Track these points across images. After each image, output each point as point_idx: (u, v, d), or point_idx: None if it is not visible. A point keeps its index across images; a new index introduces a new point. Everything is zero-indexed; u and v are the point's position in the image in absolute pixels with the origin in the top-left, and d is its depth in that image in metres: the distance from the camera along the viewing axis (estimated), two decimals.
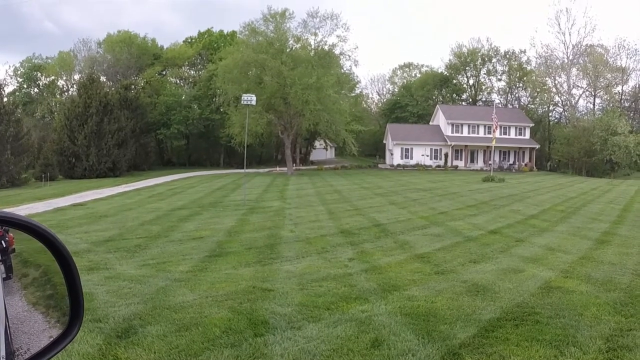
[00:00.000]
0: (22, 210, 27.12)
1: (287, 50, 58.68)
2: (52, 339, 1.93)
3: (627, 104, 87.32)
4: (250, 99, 30.03)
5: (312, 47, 61.11)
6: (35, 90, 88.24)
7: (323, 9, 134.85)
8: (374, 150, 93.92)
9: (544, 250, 14.98)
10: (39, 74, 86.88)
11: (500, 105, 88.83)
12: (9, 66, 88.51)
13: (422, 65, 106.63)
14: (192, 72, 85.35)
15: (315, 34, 59.87)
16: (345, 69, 65.53)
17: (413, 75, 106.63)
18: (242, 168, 68.16)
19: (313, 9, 62.02)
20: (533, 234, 18.39)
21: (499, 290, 9.19)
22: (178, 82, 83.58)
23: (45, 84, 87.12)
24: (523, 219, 23.07)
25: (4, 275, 1.92)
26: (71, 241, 16.45)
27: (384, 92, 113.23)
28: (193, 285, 9.61)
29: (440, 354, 5.87)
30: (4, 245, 1.93)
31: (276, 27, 58.13)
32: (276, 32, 58.03)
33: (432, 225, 20.45)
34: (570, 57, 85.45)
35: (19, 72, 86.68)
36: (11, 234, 1.92)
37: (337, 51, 61.25)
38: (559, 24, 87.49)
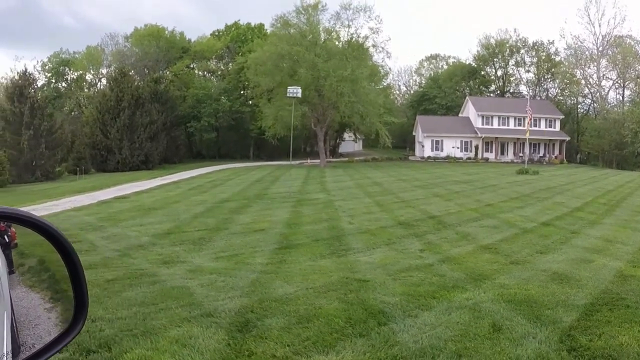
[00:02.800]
0: (66, 203, 27.38)
1: (320, 42, 58.36)
2: (56, 334, 1.91)
3: None
4: (296, 91, 29.93)
5: (345, 39, 60.79)
6: (63, 84, 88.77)
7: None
8: (401, 142, 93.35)
9: (601, 241, 15.09)
10: (67, 69, 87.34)
11: (529, 97, 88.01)
12: (37, 61, 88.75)
13: (449, 57, 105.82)
14: (220, 65, 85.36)
15: (349, 26, 59.57)
16: (377, 61, 65.15)
17: (440, 66, 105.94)
18: (272, 160, 68.70)
19: (346, 1, 61.24)
20: (584, 227, 18.45)
21: (580, 278, 9.42)
22: (206, 75, 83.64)
23: (73, 78, 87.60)
24: (569, 211, 23.07)
25: (8, 270, 1.94)
26: (130, 234, 16.54)
27: (410, 84, 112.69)
28: (284, 277, 9.53)
29: (556, 336, 6.07)
30: (7, 240, 1.94)
31: (308, 19, 57.94)
32: (308, 25, 57.84)
33: (484, 218, 20.42)
34: (600, 49, 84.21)
35: (46, 67, 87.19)
36: (13, 229, 1.92)
37: (369, 43, 60.99)
38: (589, 15, 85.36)
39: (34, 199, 32.39)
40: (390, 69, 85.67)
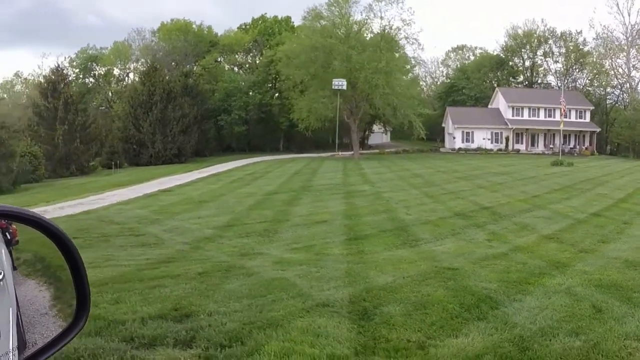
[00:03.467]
0: (111, 197, 27.73)
1: (353, 34, 58.34)
2: (60, 331, 1.92)
3: None
4: (341, 83, 30.00)
5: (378, 31, 60.53)
6: (91, 80, 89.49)
7: None
8: (428, 134, 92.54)
9: None
10: (95, 65, 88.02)
11: (558, 88, 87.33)
12: (64, 57, 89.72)
13: (476, 48, 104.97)
14: (247, 58, 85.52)
15: (381, 18, 59.30)
16: (409, 52, 64.90)
17: (467, 57, 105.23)
18: (302, 153, 68.84)
19: None
20: (635, 217, 18.81)
21: None
22: (235, 68, 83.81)
23: (101, 73, 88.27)
24: (614, 202, 23.35)
25: (13, 267, 1.93)
26: (191, 227, 16.74)
27: (437, 75, 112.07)
28: (374, 267, 9.65)
29: None
30: (9, 237, 1.93)
31: (340, 11, 57.92)
32: (341, 17, 57.86)
33: (535, 209, 20.71)
34: (630, 38, 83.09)
35: (74, 63, 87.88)
36: (14, 226, 1.92)
37: (402, 35, 60.75)
38: (618, 4, 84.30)
39: (76, 193, 32.62)
40: (423, 60, 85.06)
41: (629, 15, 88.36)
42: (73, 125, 53.06)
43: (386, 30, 59.60)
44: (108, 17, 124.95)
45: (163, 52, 78.79)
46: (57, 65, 58.99)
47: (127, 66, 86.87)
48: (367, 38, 60.76)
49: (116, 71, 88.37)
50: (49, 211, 21.43)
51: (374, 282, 8.14)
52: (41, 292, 2.01)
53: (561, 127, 56.19)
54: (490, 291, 7.51)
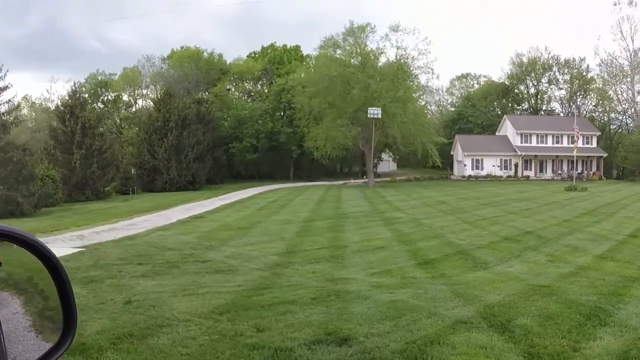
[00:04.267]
0: (142, 223, 27.53)
1: (371, 63, 59.06)
2: (44, 351, 1.92)
3: None
4: (376, 112, 30.44)
5: (393, 59, 61.24)
6: (100, 105, 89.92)
7: (371, 18, 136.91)
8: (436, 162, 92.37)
9: None
10: (104, 90, 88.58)
11: (563, 115, 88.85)
12: (73, 83, 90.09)
13: (480, 76, 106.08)
14: (257, 87, 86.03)
15: (398, 47, 60.09)
16: (423, 81, 65.95)
17: (471, 85, 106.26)
18: (312, 181, 69.14)
19: (394, 23, 63.15)
20: None
21: None
22: (245, 96, 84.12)
23: (110, 99, 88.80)
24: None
25: None
26: (252, 254, 16.67)
27: (442, 103, 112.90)
28: (473, 287, 10.00)
29: None
30: None
31: (356, 40, 58.71)
32: (357, 46, 58.59)
33: (574, 232, 21.39)
34: (634, 64, 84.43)
35: (83, 88, 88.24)
36: None
37: (417, 64, 61.58)
38: (622, 31, 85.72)
39: (102, 218, 32.35)
40: (435, 89, 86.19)
41: (633, 42, 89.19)
42: (90, 150, 52.88)
43: (402, 60, 60.37)
44: (112, 43, 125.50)
45: (174, 79, 79.22)
46: (74, 89, 59.29)
47: (136, 92, 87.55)
48: (384, 67, 61.45)
49: (125, 97, 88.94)
50: (86, 236, 21.35)
51: (487, 300, 8.54)
52: (27, 311, 2.01)
53: (575, 152, 56.76)
54: (595, 302, 8.28)
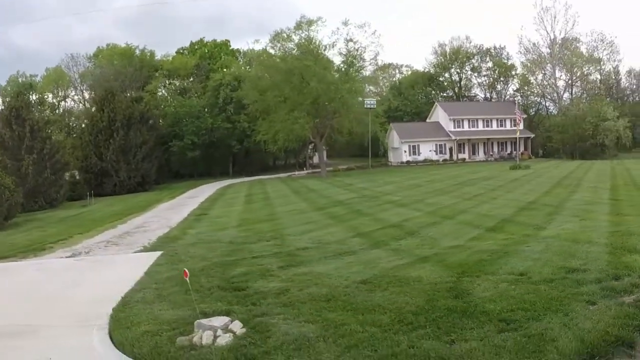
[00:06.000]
0: (151, 224, 26.42)
1: (323, 56, 60.05)
2: None
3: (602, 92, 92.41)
4: (372, 102, 31.48)
5: (344, 52, 62.20)
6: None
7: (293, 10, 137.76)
8: (359, 150, 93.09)
9: None
10: (27, 92, 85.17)
11: (490, 100, 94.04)
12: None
13: (402, 66, 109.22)
14: (190, 83, 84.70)
15: (350, 40, 60.99)
16: (369, 72, 67.61)
17: (392, 75, 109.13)
18: (253, 175, 69.37)
19: (345, 19, 66.51)
20: None
21: None
22: (180, 93, 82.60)
23: (36, 100, 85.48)
24: (614, 191, 27.16)
25: None
26: (329, 239, 17.10)
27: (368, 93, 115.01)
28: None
29: None
30: None
31: (308, 35, 59.55)
32: (308, 40, 59.30)
33: (572, 201, 23.72)
34: (555, 52, 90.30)
35: (6, 90, 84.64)
36: None
37: (367, 57, 63.01)
38: (543, 21, 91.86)
39: (89, 225, 28.83)
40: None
41: (553, 31, 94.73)
42: (41, 154, 50.23)
43: (353, 53, 61.29)
44: (18, 48, 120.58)
45: (105, 77, 76.95)
46: (19, 90, 56.37)
47: (64, 93, 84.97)
48: (340, 59, 63.40)
49: (50, 98, 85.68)
50: (119, 242, 19.92)
51: None
52: None
53: (517, 135, 60.13)
54: None
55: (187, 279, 8.25)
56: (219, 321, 7.29)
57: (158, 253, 15.65)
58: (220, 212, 30.05)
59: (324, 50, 60.24)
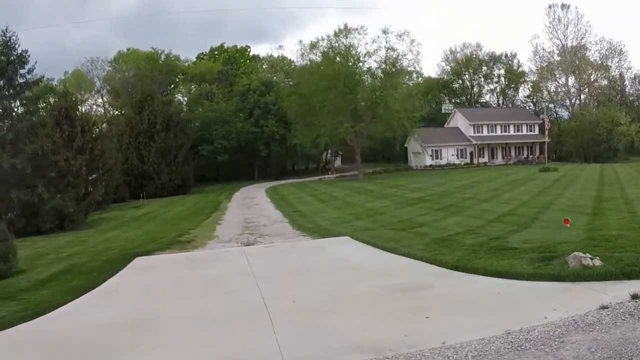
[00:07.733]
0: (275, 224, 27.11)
1: (362, 64, 62.64)
2: None
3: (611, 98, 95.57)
4: (449, 107, 33.30)
5: (382, 59, 64.14)
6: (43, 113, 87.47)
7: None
8: (371, 156, 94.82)
9: None
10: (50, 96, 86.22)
11: (505, 107, 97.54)
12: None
13: (412, 72, 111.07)
14: (215, 87, 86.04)
15: (390, 49, 63.26)
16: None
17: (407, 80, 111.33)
18: (278, 180, 70.72)
19: (385, 27, 73.01)
20: None
21: None
22: (208, 98, 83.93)
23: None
24: None
25: None
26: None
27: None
28: None
29: None
30: None
31: (350, 42, 61.79)
32: (352, 47, 61.54)
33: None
34: (567, 58, 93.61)
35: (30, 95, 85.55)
36: None
37: (405, 63, 65.75)
38: (555, 29, 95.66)
39: (180, 224, 27.72)
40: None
41: (565, 38, 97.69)
42: (92, 154, 48.09)
43: (391, 60, 63.30)
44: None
45: (129, 82, 77.98)
46: (64, 89, 55.95)
47: (86, 96, 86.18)
48: (378, 67, 65.39)
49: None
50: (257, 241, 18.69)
51: None
52: None
53: (546, 139, 62.50)
54: None
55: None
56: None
57: (346, 237, 17.12)
58: (308, 210, 30.32)
59: (364, 57, 62.50)
